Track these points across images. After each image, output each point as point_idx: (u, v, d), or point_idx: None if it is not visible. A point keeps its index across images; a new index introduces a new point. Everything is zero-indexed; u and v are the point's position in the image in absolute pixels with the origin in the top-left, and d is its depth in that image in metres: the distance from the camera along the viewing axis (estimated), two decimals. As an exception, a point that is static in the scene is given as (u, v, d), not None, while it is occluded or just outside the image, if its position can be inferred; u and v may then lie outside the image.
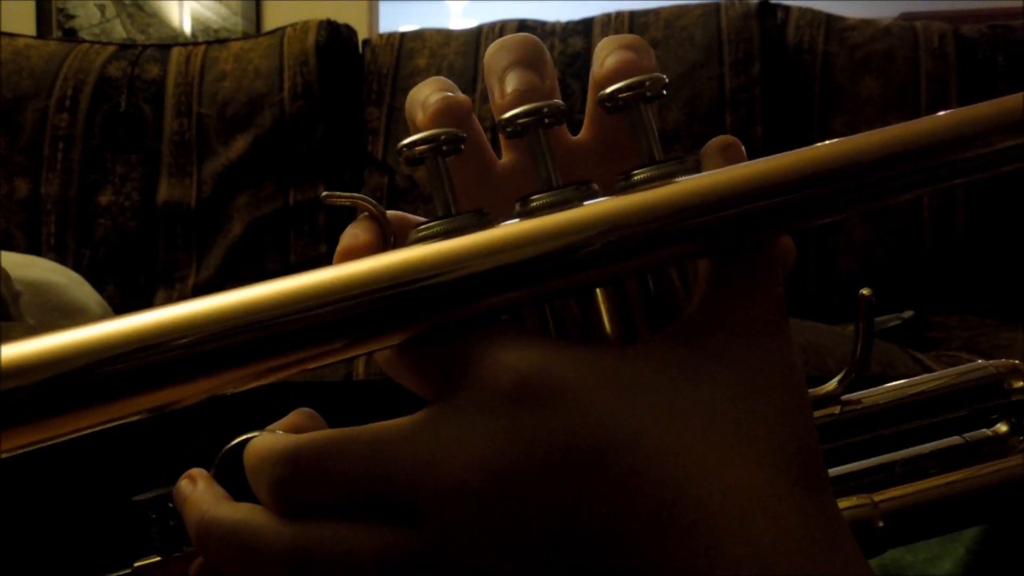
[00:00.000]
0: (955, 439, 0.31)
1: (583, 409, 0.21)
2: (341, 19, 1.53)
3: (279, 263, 1.37)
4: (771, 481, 0.21)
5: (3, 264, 1.00)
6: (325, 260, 1.47)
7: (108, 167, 1.40)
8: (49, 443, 0.21)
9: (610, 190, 0.25)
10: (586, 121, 0.30)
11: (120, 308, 1.30)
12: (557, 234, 0.23)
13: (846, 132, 1.52)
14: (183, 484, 0.26)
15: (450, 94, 0.27)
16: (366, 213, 0.26)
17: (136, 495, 0.27)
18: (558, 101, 0.25)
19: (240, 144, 1.40)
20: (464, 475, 0.21)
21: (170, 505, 0.26)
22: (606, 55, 0.27)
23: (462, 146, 0.25)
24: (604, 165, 0.29)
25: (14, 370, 0.20)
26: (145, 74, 1.44)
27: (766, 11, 1.43)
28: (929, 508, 0.29)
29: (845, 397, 0.30)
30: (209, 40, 1.58)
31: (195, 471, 0.26)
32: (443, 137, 0.25)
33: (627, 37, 0.28)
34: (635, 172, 0.24)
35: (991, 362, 0.31)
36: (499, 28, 1.47)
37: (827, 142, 0.24)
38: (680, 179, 0.24)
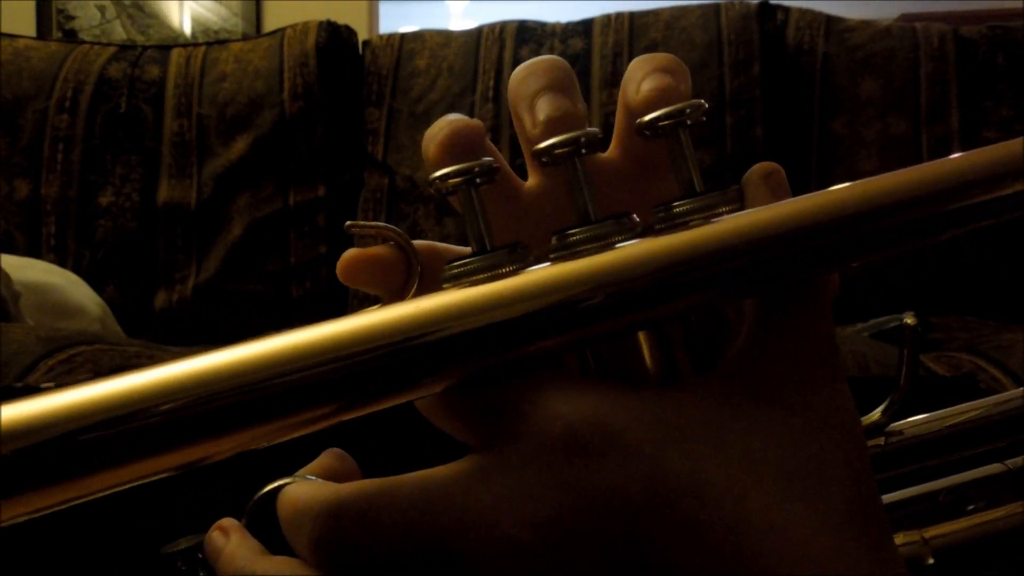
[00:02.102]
0: (997, 467, 0.30)
1: (637, 458, 0.20)
2: (341, 20, 1.53)
3: (279, 264, 1.37)
4: (833, 531, 0.20)
5: (2, 265, 1.00)
6: (325, 261, 1.47)
7: (108, 168, 1.40)
8: (16, 521, 0.19)
9: (646, 216, 0.24)
10: (616, 141, 0.29)
11: (120, 309, 1.30)
12: (602, 277, 0.22)
13: (846, 133, 1.51)
14: (215, 536, 0.25)
15: (458, 118, 0.26)
16: (392, 243, 0.25)
17: (163, 545, 0.26)
18: (594, 129, 0.24)
19: (240, 145, 1.40)
20: (515, 530, 0.20)
21: (200, 556, 0.25)
22: (641, 78, 0.26)
23: (494, 176, 0.24)
24: (636, 186, 0.28)
25: None
26: (145, 75, 1.44)
27: (766, 12, 1.43)
28: (980, 544, 0.28)
29: (888, 428, 0.29)
30: (209, 41, 1.58)
31: (226, 522, 0.25)
32: (477, 168, 0.24)
33: (663, 58, 0.26)
34: (676, 204, 0.23)
35: None
36: (499, 29, 1.47)
37: (877, 177, 0.23)
38: (724, 215, 0.23)
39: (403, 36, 1.50)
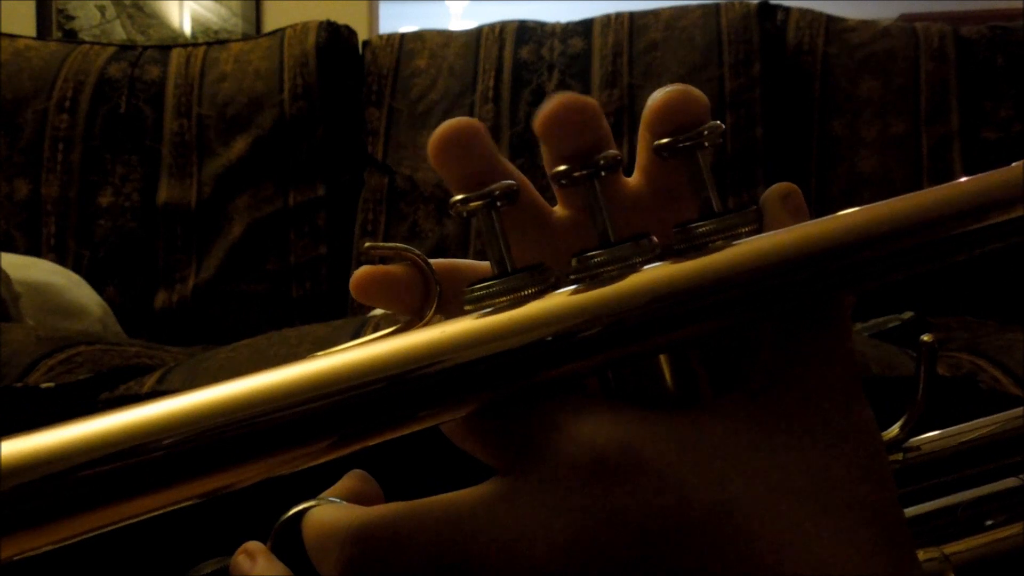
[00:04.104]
0: (1012, 481, 0.30)
1: (664, 482, 0.20)
2: (341, 20, 1.53)
3: (279, 264, 1.37)
4: (862, 552, 0.20)
5: (2, 265, 1.00)
6: (325, 261, 1.47)
7: (108, 168, 1.40)
8: (17, 558, 0.18)
9: (665, 237, 0.24)
10: (638, 165, 0.29)
11: (120, 309, 1.30)
12: (626, 301, 0.22)
13: (846, 133, 1.51)
14: (241, 560, 0.25)
15: (456, 120, 0.26)
16: (409, 262, 0.25)
17: (190, 568, 0.26)
18: (613, 151, 0.25)
19: (240, 145, 1.40)
20: (545, 555, 0.20)
21: None
22: (659, 92, 0.26)
23: (515, 199, 0.24)
24: (658, 209, 0.28)
25: None
26: (145, 75, 1.44)
27: (766, 12, 1.43)
28: (1001, 560, 0.28)
29: (906, 444, 0.29)
30: (209, 41, 1.58)
31: (252, 545, 0.25)
32: (497, 192, 0.24)
33: (681, 85, 0.26)
34: (695, 225, 0.23)
35: None
36: (499, 29, 1.47)
37: (899, 198, 0.23)
38: (744, 235, 0.23)
39: (403, 36, 1.50)
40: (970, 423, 0.30)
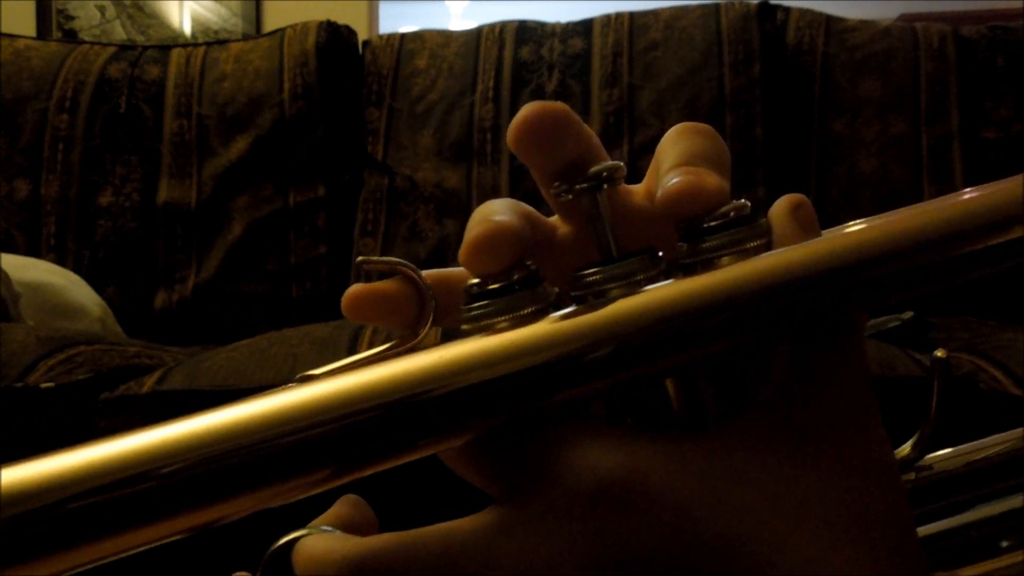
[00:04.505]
0: (1021, 499, 0.29)
1: (675, 512, 0.20)
2: (341, 20, 1.53)
3: (279, 264, 1.37)
4: None
5: (2, 266, 1.00)
6: (325, 261, 1.47)
7: (108, 168, 1.40)
8: None
9: (673, 252, 0.23)
10: (646, 181, 0.28)
11: (120, 309, 1.30)
12: (632, 321, 0.21)
13: (847, 133, 1.51)
14: None
15: (500, 220, 0.23)
16: (402, 276, 0.25)
17: None
18: (613, 163, 0.24)
19: (240, 145, 1.40)
20: None
21: None
22: (670, 166, 0.24)
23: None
24: (668, 222, 0.27)
25: None
26: (145, 75, 1.44)
27: (766, 12, 1.43)
28: None
29: (919, 463, 0.29)
30: (209, 41, 1.58)
31: None
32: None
33: (699, 131, 0.25)
34: (704, 240, 0.22)
35: None
36: (499, 29, 1.47)
37: (918, 207, 0.22)
38: (752, 250, 0.22)
39: (403, 36, 1.50)
40: (985, 440, 0.29)
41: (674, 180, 0.23)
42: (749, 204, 0.23)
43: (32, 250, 1.35)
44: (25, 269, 1.12)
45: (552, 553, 0.20)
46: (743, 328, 0.21)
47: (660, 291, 0.22)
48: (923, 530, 0.29)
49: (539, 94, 1.37)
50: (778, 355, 0.23)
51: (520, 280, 0.23)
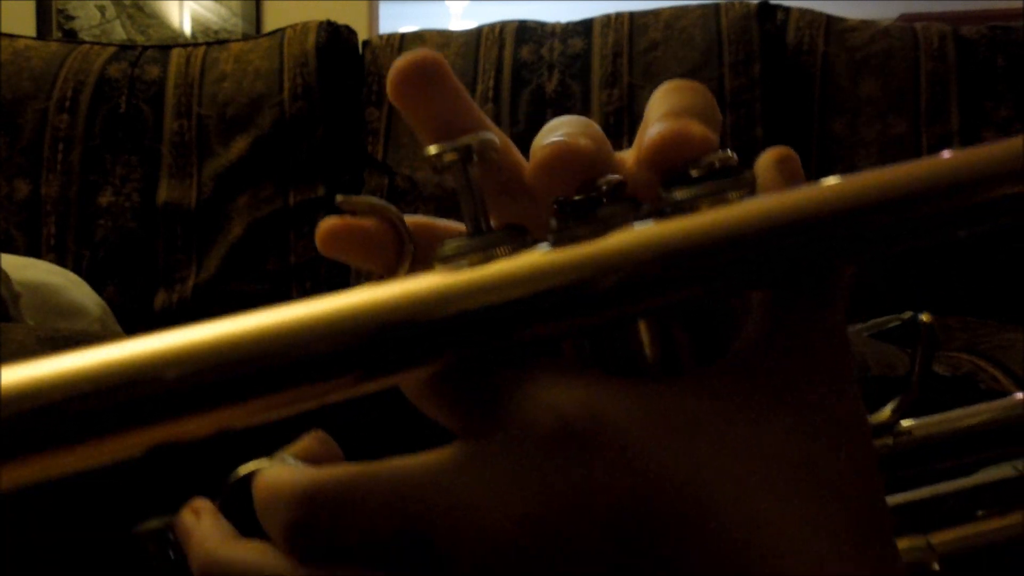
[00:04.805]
0: (1008, 470, 0.29)
1: (634, 453, 0.19)
2: (341, 20, 1.53)
3: (279, 264, 1.37)
4: (841, 539, 0.19)
5: (2, 266, 1.00)
6: (325, 261, 1.46)
7: (108, 168, 1.40)
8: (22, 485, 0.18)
9: (654, 203, 0.22)
10: (635, 142, 0.27)
11: (120, 309, 1.30)
12: (603, 262, 0.20)
13: (847, 133, 1.51)
14: (186, 517, 0.24)
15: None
16: (382, 218, 0.24)
17: (135, 525, 0.25)
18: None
19: (240, 145, 1.40)
20: (500, 523, 0.19)
21: (171, 537, 0.24)
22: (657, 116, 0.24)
23: (494, 154, 0.23)
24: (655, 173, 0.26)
25: None
26: (145, 75, 1.44)
27: (766, 12, 1.43)
28: (987, 551, 0.27)
29: (897, 428, 0.28)
30: (209, 41, 1.58)
31: (199, 503, 0.24)
32: (474, 145, 0.22)
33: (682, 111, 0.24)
34: (683, 188, 0.22)
35: None
36: (499, 29, 1.47)
37: (912, 161, 0.22)
38: (734, 200, 0.21)
39: (403, 36, 1.50)
40: (967, 408, 0.29)
41: (658, 128, 0.23)
42: (736, 156, 0.22)
43: (32, 250, 1.35)
44: (25, 269, 1.12)
45: (507, 489, 0.19)
46: (720, 272, 0.21)
47: (636, 232, 0.21)
48: (903, 496, 0.29)
49: (539, 94, 1.37)
50: (756, 305, 0.22)
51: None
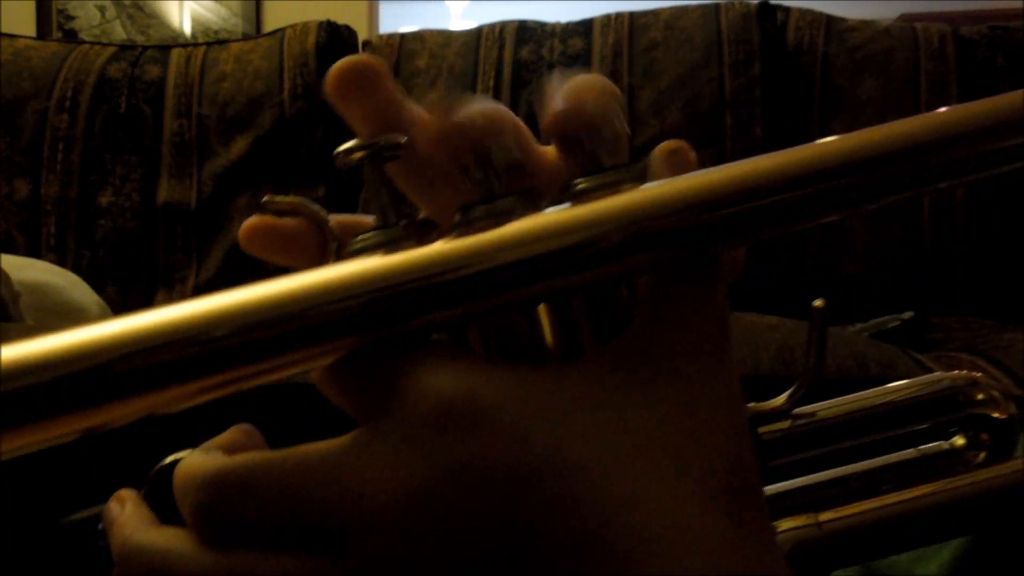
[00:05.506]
0: (911, 452, 0.30)
1: (509, 433, 0.21)
2: (341, 20, 1.53)
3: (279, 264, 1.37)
4: (704, 509, 0.21)
5: (2, 266, 1.00)
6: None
7: (108, 168, 1.40)
8: (55, 443, 0.21)
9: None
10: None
11: (120, 309, 1.30)
12: (491, 251, 0.22)
13: (846, 133, 1.51)
14: (112, 505, 0.25)
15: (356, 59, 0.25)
16: (306, 216, 0.25)
17: (67, 515, 0.26)
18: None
19: (240, 145, 1.40)
20: (388, 503, 0.20)
21: (100, 527, 0.25)
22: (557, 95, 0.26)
23: (399, 152, 0.24)
24: (563, 172, 0.27)
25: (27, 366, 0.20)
26: (145, 75, 1.44)
27: (766, 12, 1.43)
28: (874, 528, 0.28)
29: (798, 411, 0.29)
30: (209, 41, 1.58)
31: (125, 492, 0.25)
32: (382, 142, 0.24)
33: (577, 86, 0.26)
34: (577, 181, 0.23)
35: (949, 374, 0.30)
36: (499, 29, 1.47)
37: (784, 151, 0.23)
38: (624, 189, 0.23)
39: (403, 36, 1.50)
40: (872, 390, 0.30)
41: (556, 101, 0.25)
42: (628, 130, 0.24)
43: (32, 250, 1.35)
44: (25, 269, 1.12)
45: (396, 470, 0.21)
46: (595, 260, 0.22)
47: (528, 222, 0.22)
48: (807, 479, 0.29)
49: (539, 94, 1.37)
50: (641, 290, 0.24)
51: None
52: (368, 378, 0.22)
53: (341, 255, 0.24)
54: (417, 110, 0.26)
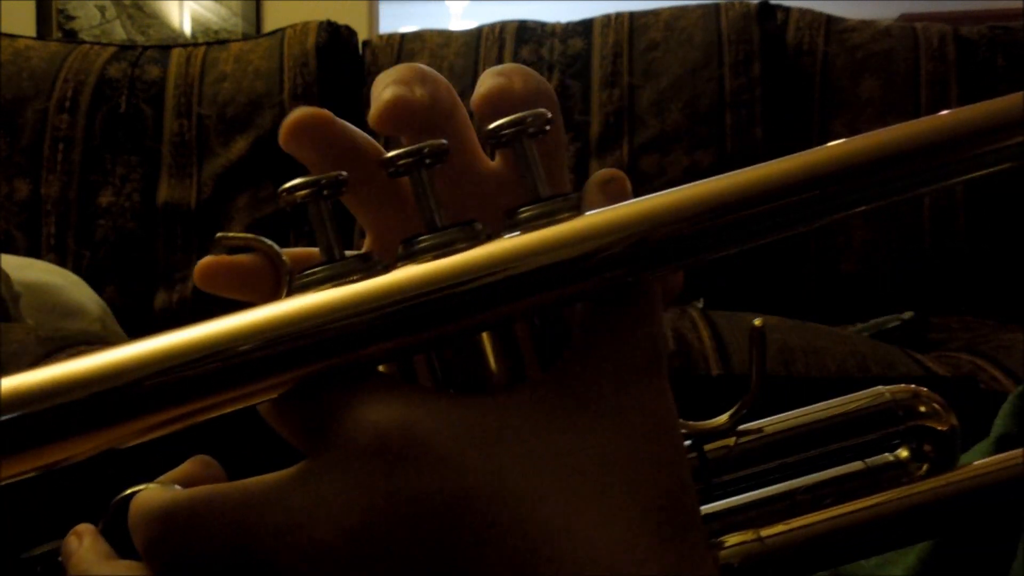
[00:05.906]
0: (857, 465, 0.30)
1: (442, 463, 0.21)
2: (341, 20, 1.53)
3: (279, 264, 1.37)
4: (634, 534, 0.21)
5: (2, 266, 1.00)
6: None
7: (108, 168, 1.40)
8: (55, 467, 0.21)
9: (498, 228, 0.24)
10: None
11: (120, 309, 1.30)
12: (432, 282, 0.22)
13: (846, 133, 1.52)
14: (70, 540, 0.25)
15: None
16: (259, 252, 0.26)
17: (26, 550, 0.27)
18: (440, 142, 0.25)
19: (240, 145, 1.40)
20: (325, 535, 0.21)
21: (59, 560, 0.26)
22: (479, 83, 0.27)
23: (342, 189, 0.25)
24: (504, 194, 0.28)
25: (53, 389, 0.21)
26: (145, 75, 1.44)
27: (766, 12, 1.43)
28: (817, 542, 0.28)
29: (744, 427, 0.29)
30: (209, 41, 1.58)
31: (83, 527, 0.26)
32: (323, 181, 0.25)
33: (504, 66, 0.27)
34: (521, 210, 0.24)
35: (888, 388, 0.30)
36: (499, 29, 1.47)
37: (714, 178, 0.24)
38: (560, 219, 0.23)
39: (403, 36, 1.50)
40: (814, 406, 0.30)
41: (479, 87, 0.25)
42: (549, 114, 0.24)
43: (32, 250, 1.35)
44: (25, 269, 1.12)
45: (339, 503, 0.21)
46: (537, 288, 0.23)
47: (466, 255, 0.23)
48: (753, 495, 0.30)
49: (539, 94, 1.37)
50: (577, 318, 0.24)
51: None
52: (312, 411, 0.23)
53: (292, 287, 0.24)
54: (368, 138, 0.27)
